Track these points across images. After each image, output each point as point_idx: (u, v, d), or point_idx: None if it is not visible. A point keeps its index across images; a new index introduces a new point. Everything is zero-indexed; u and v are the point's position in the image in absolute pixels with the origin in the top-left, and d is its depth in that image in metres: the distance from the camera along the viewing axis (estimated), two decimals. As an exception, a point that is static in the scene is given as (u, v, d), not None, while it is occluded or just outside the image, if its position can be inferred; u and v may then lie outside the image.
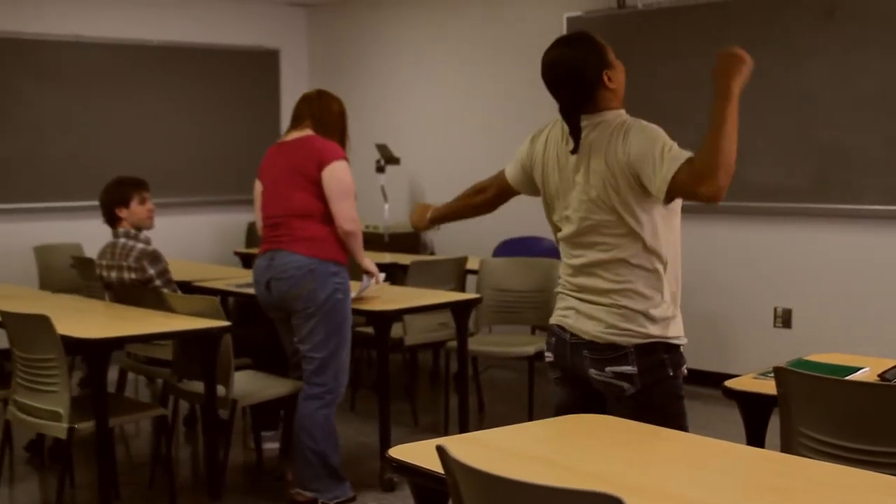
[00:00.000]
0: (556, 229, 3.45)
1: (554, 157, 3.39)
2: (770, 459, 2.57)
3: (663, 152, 3.10)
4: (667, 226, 3.23)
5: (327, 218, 4.97)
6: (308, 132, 5.05)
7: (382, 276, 5.45)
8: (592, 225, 3.26)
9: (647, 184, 3.12)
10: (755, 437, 3.34)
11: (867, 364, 3.47)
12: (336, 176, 4.96)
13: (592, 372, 3.28)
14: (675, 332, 3.27)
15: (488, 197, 3.70)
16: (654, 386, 3.24)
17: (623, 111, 3.36)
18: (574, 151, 3.28)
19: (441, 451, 2.10)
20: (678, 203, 3.21)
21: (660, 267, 3.21)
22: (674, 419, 3.21)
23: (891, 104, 6.44)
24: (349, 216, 4.98)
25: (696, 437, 2.74)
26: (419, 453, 2.48)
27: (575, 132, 3.27)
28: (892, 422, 2.73)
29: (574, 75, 3.28)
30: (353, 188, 5.03)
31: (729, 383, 3.33)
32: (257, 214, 5.29)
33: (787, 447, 2.95)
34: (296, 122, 5.13)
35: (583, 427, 2.82)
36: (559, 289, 3.48)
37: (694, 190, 3.02)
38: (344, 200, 4.97)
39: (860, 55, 6.55)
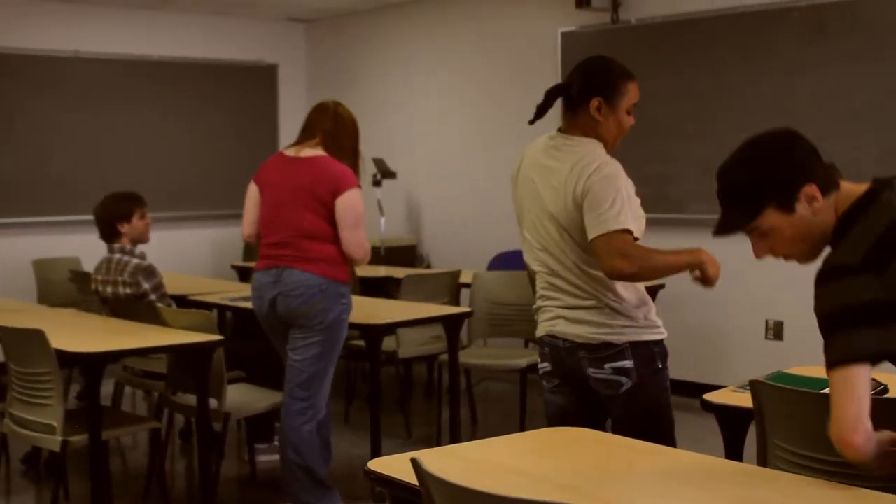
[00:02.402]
0: (525, 241, 3.67)
1: (526, 178, 3.61)
2: (745, 472, 2.62)
3: (605, 211, 3.33)
4: None
5: (336, 239, 4.97)
6: (320, 151, 5.00)
7: None
8: (554, 239, 3.48)
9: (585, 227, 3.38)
10: (733, 450, 3.38)
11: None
12: (349, 205, 4.95)
13: (591, 371, 3.47)
14: (657, 323, 3.54)
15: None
16: (649, 377, 3.50)
17: (601, 149, 3.49)
18: (531, 122, 3.58)
19: (415, 463, 2.15)
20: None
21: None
22: (665, 409, 3.54)
23: (882, 118, 6.50)
24: (359, 243, 5.00)
25: (673, 450, 2.79)
26: (398, 466, 2.52)
27: (539, 109, 3.56)
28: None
29: (568, 80, 3.57)
30: (363, 216, 5.04)
31: (707, 396, 3.38)
32: (247, 219, 5.18)
33: (764, 460, 2.98)
34: (307, 135, 5.05)
35: (560, 439, 2.86)
36: (539, 302, 3.60)
37: (598, 258, 3.35)
38: (356, 229, 4.98)
39: (851, 70, 6.61)
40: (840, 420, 2.31)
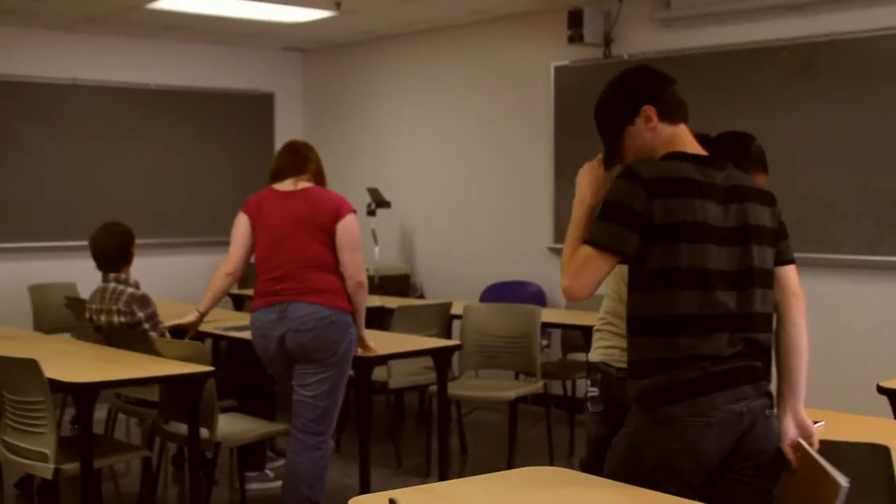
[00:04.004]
0: None
1: None
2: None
3: None
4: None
5: (338, 269, 5.03)
6: (311, 184, 5.12)
7: (372, 344, 5.43)
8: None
9: None
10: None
11: (826, 418, 3.58)
12: (349, 229, 5.04)
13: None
14: None
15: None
16: None
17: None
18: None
19: (392, 503, 2.23)
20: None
21: None
22: None
23: (865, 156, 6.59)
24: (361, 267, 5.07)
25: (649, 492, 2.82)
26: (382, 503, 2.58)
27: None
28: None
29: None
30: (360, 241, 5.13)
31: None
32: (235, 254, 5.16)
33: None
34: (297, 172, 5.14)
35: (542, 480, 2.92)
36: (599, 325, 3.72)
37: None
38: (356, 252, 5.06)
39: (836, 108, 6.71)
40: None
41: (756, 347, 2.90)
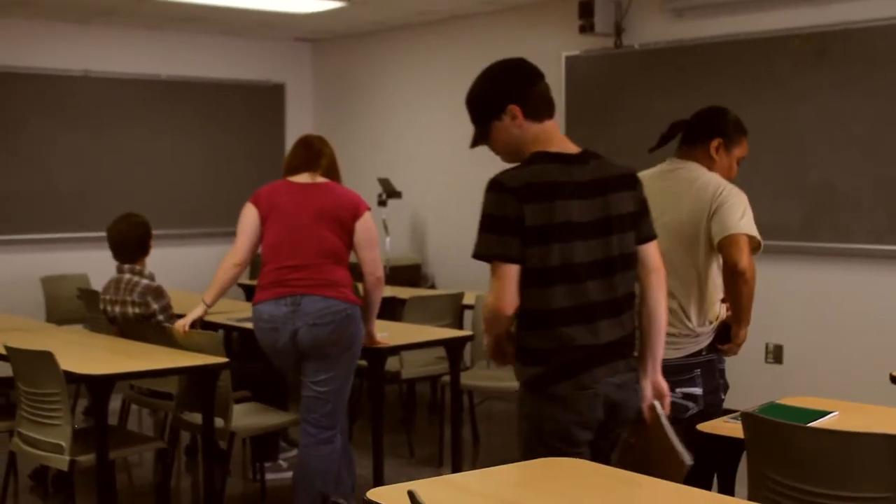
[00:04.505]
0: None
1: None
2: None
3: (737, 219, 3.90)
4: None
5: (348, 264, 5.05)
6: (326, 179, 5.10)
7: (385, 334, 5.50)
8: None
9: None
10: (725, 480, 3.46)
11: (839, 408, 3.59)
12: (368, 226, 5.06)
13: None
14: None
15: None
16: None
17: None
18: (650, 150, 4.11)
19: (411, 495, 2.23)
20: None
21: None
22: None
23: (880, 145, 6.57)
24: (380, 263, 5.10)
25: (668, 483, 2.84)
26: (397, 496, 2.58)
27: (662, 139, 4.16)
28: (848, 466, 2.85)
29: (693, 118, 4.23)
30: (378, 237, 5.17)
31: (701, 427, 3.45)
32: (243, 244, 5.11)
33: (754, 491, 3.06)
34: (311, 166, 5.11)
35: (559, 471, 2.93)
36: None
37: (724, 254, 3.89)
38: (375, 249, 5.08)
39: (850, 97, 6.69)
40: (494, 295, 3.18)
41: (623, 327, 3.26)
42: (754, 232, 3.86)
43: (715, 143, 4.02)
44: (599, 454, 3.23)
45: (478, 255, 3.17)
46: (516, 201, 3.10)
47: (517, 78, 3.29)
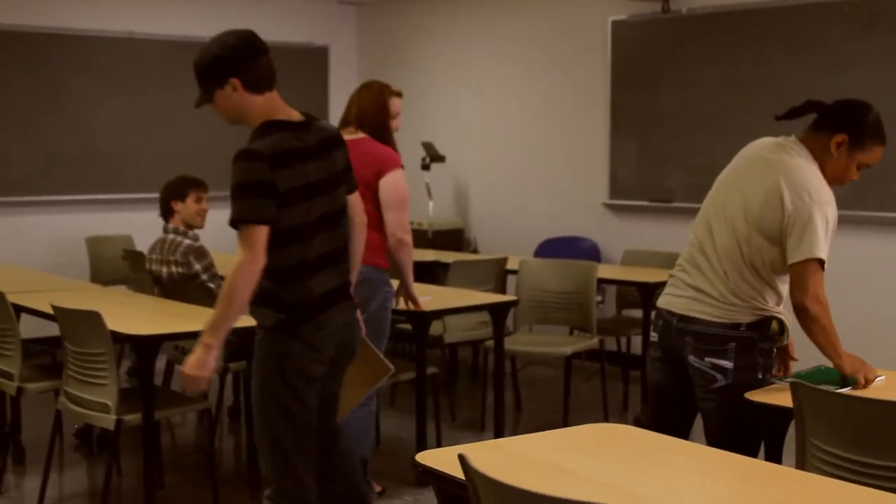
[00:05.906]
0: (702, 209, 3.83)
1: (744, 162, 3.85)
2: (778, 474, 2.66)
3: (809, 238, 3.59)
4: None
5: (378, 224, 4.89)
6: (361, 134, 5.00)
7: (429, 298, 5.44)
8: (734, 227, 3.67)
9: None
10: (772, 448, 3.44)
11: (885, 374, 3.56)
12: (392, 186, 4.92)
13: (692, 359, 3.64)
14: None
15: None
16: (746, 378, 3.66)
17: (820, 174, 3.64)
18: (777, 118, 3.76)
19: (462, 459, 2.22)
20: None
21: None
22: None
23: (931, 114, 6.47)
24: (403, 225, 4.94)
25: (712, 450, 2.84)
26: (445, 459, 2.59)
27: (791, 112, 3.74)
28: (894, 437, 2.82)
29: (833, 104, 3.79)
30: (408, 198, 5.00)
31: (749, 395, 3.42)
32: None
33: (802, 459, 3.04)
34: (345, 123, 5.06)
35: (603, 436, 2.93)
36: (675, 271, 3.80)
37: (791, 283, 3.61)
38: (399, 210, 4.94)
39: (901, 65, 6.60)
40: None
41: (348, 272, 3.81)
42: (824, 254, 3.52)
43: (839, 138, 3.59)
44: (327, 385, 3.73)
45: (235, 220, 3.45)
46: (269, 168, 3.44)
47: (240, 51, 3.59)
